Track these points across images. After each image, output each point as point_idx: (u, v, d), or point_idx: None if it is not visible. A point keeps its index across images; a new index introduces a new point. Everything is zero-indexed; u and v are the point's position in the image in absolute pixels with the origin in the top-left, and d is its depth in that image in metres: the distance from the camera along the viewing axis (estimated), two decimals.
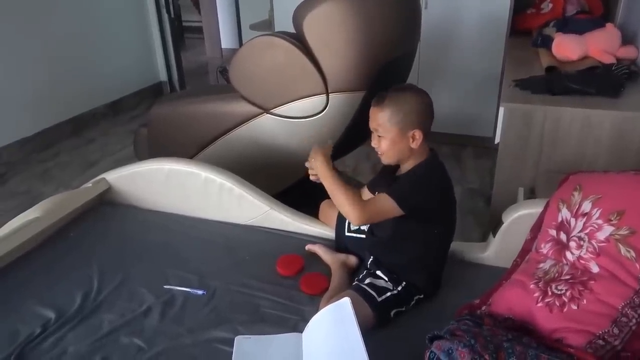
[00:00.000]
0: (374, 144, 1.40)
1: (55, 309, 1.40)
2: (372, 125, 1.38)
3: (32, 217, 1.74)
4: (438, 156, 1.43)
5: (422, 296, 1.41)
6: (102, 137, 3.89)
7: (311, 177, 1.52)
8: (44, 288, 1.49)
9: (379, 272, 1.41)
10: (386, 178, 1.48)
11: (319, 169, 1.44)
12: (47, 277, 1.55)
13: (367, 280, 1.39)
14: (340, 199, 1.36)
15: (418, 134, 1.34)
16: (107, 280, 1.53)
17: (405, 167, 1.42)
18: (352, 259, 1.56)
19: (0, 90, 3.31)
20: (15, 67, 3.40)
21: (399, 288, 1.38)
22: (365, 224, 1.37)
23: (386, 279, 1.39)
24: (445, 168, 1.44)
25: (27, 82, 3.50)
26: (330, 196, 1.41)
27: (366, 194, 1.56)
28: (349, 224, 1.61)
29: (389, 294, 1.36)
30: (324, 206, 1.79)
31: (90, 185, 1.98)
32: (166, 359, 1.25)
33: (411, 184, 1.36)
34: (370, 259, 1.46)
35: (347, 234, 1.60)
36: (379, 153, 1.40)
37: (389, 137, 1.35)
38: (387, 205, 1.33)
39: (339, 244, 1.63)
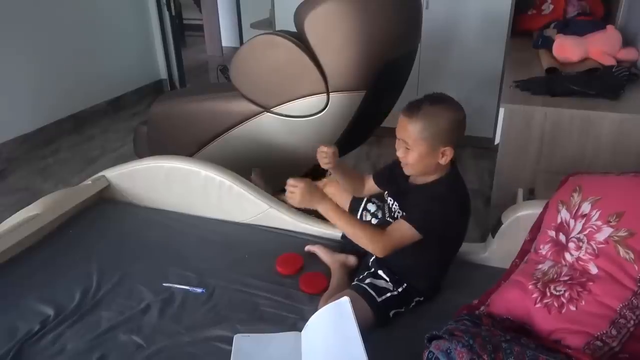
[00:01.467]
0: (399, 154, 1.31)
1: (54, 306, 1.40)
2: (401, 135, 1.28)
3: (32, 213, 1.74)
4: (457, 169, 1.36)
5: (422, 298, 1.41)
6: (102, 134, 3.89)
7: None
8: (43, 285, 1.49)
9: (380, 272, 1.40)
10: (397, 179, 1.43)
11: (328, 216, 1.33)
12: (46, 273, 1.55)
13: (368, 280, 1.39)
14: (358, 238, 1.29)
15: (449, 152, 1.27)
16: (106, 278, 1.53)
17: (424, 178, 1.35)
18: (352, 259, 1.56)
19: (1, 86, 3.31)
20: (16, 63, 3.39)
21: (400, 289, 1.37)
22: (388, 254, 1.29)
23: (387, 279, 1.39)
24: (464, 181, 1.38)
25: (28, 79, 3.49)
26: (347, 235, 1.34)
27: (370, 182, 1.56)
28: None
29: (389, 294, 1.36)
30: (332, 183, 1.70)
31: (90, 182, 1.98)
32: (165, 356, 1.25)
33: (431, 208, 1.28)
34: (373, 257, 1.44)
35: None
36: (404, 163, 1.32)
37: (418, 151, 1.26)
38: (408, 234, 1.26)
39: (345, 238, 1.54)
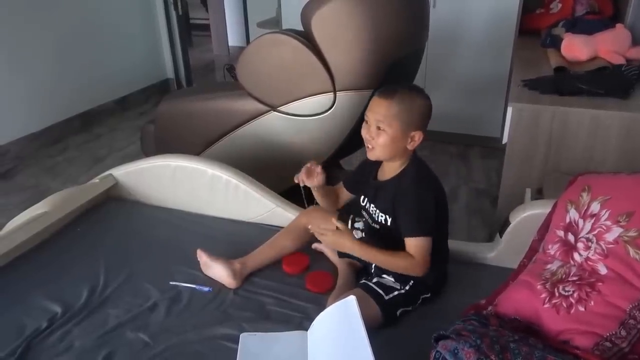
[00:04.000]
0: (368, 134, 1.33)
1: (62, 304, 1.41)
2: (375, 116, 1.31)
3: (40, 211, 1.75)
4: (418, 155, 1.40)
5: (428, 295, 1.40)
6: (110, 133, 3.91)
7: (299, 182, 1.48)
8: (51, 282, 1.50)
9: (384, 275, 1.40)
10: (368, 180, 1.46)
11: (356, 254, 1.39)
12: (54, 271, 1.56)
13: (375, 279, 1.39)
14: (397, 267, 1.34)
15: (418, 136, 1.32)
16: (114, 276, 1.53)
17: (389, 168, 1.39)
18: None
19: (10, 85, 3.34)
20: (24, 62, 3.42)
21: (407, 287, 1.37)
22: (428, 268, 1.32)
23: (393, 279, 1.38)
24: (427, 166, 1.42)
25: (36, 78, 3.52)
26: (384, 267, 1.38)
27: (343, 191, 1.57)
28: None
29: (396, 292, 1.35)
30: (314, 213, 1.62)
31: (98, 180, 1.99)
32: (171, 354, 1.25)
33: (416, 204, 1.32)
34: (374, 266, 1.44)
35: None
36: (371, 146, 1.34)
37: (390, 132, 1.30)
38: (423, 245, 1.31)
39: (342, 255, 1.55)
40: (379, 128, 1.31)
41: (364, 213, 1.49)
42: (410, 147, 1.33)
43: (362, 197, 1.50)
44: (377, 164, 1.44)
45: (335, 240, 1.39)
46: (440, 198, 1.40)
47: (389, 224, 1.39)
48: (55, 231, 1.75)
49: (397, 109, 1.29)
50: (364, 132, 1.35)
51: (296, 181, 1.49)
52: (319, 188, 1.51)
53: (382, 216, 1.41)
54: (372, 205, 1.44)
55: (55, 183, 3.07)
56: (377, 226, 1.44)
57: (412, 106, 1.30)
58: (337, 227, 1.38)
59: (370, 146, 1.35)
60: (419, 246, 1.31)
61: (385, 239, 1.38)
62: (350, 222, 1.59)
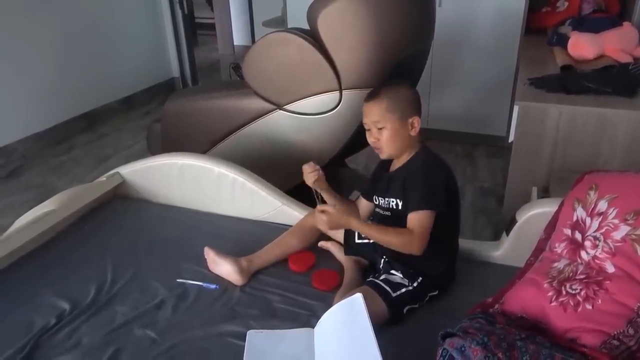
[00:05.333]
0: (372, 139, 1.40)
1: (70, 301, 1.42)
2: (371, 118, 1.38)
3: (48, 209, 1.76)
4: (427, 146, 1.44)
5: (435, 292, 1.40)
6: (115, 132, 3.92)
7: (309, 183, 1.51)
8: (58, 280, 1.51)
9: (393, 271, 1.40)
10: (382, 180, 1.48)
11: (355, 229, 1.43)
12: (61, 269, 1.57)
13: (383, 277, 1.39)
14: (393, 243, 1.35)
15: (417, 121, 1.37)
16: (121, 273, 1.54)
17: (400, 160, 1.42)
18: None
19: (16, 85, 3.36)
20: (30, 62, 3.43)
21: (415, 284, 1.37)
22: (424, 246, 1.32)
23: (401, 275, 1.38)
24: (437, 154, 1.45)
25: (42, 77, 3.54)
26: (381, 243, 1.39)
27: (363, 203, 1.57)
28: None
29: (404, 289, 1.36)
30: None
31: (105, 179, 2.00)
32: (179, 351, 1.26)
33: (423, 181, 1.35)
34: (382, 262, 1.44)
35: (357, 240, 1.55)
36: (378, 147, 1.40)
37: (390, 126, 1.36)
38: (425, 220, 1.31)
39: (349, 252, 1.57)
40: (379, 129, 1.37)
41: (376, 209, 1.51)
42: (413, 133, 1.38)
43: (374, 196, 1.51)
44: (388, 163, 1.47)
45: (331, 224, 1.40)
46: (450, 182, 1.41)
47: (399, 207, 1.40)
48: (62, 229, 1.76)
49: (386, 103, 1.36)
50: (368, 139, 1.41)
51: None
52: (328, 190, 1.53)
53: (393, 201, 1.42)
54: (385, 199, 1.45)
55: (61, 182, 3.09)
56: (388, 213, 1.45)
57: (398, 96, 1.38)
58: (328, 211, 1.40)
59: (378, 148, 1.41)
60: (421, 219, 1.31)
61: (395, 225, 1.38)
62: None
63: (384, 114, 1.36)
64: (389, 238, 1.35)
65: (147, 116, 4.17)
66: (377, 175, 1.54)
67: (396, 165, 1.45)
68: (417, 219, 1.32)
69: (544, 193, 1.85)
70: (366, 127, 1.41)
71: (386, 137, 1.37)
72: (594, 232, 1.23)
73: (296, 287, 1.48)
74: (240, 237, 1.74)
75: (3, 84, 3.27)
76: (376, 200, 1.50)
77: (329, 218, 1.39)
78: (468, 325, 1.10)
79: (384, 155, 1.43)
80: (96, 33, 3.95)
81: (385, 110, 1.36)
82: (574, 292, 1.15)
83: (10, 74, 3.31)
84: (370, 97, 1.40)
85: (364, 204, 1.58)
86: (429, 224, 1.32)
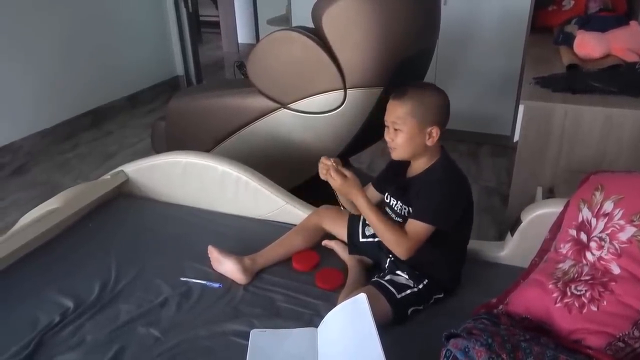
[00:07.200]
0: (388, 137, 1.37)
1: (74, 298, 1.42)
2: (390, 118, 1.35)
3: (52, 207, 1.77)
4: (448, 154, 1.41)
5: (441, 295, 1.40)
6: (120, 129, 3.93)
7: (322, 176, 1.45)
8: (63, 277, 1.51)
9: (398, 272, 1.40)
10: (395, 179, 1.46)
11: (358, 205, 1.39)
12: (66, 266, 1.57)
13: (388, 277, 1.39)
14: (385, 238, 1.34)
15: (436, 132, 1.33)
16: (125, 271, 1.55)
17: (417, 166, 1.39)
18: None
19: (21, 82, 3.37)
20: (35, 60, 3.44)
21: (420, 286, 1.37)
22: (412, 254, 1.32)
23: (407, 276, 1.38)
24: (455, 162, 1.43)
25: (47, 75, 3.55)
26: (374, 230, 1.39)
27: (371, 191, 1.54)
28: (362, 230, 1.56)
29: (409, 291, 1.35)
30: (326, 212, 1.67)
31: (109, 177, 2.00)
32: (182, 350, 1.26)
33: (434, 196, 1.33)
34: (388, 261, 1.44)
35: (361, 239, 1.55)
36: (392, 147, 1.38)
37: (407, 130, 1.32)
38: (422, 232, 1.31)
39: (353, 252, 1.57)
40: (396, 129, 1.34)
41: (388, 209, 1.49)
42: (429, 143, 1.34)
43: (387, 194, 1.50)
44: (406, 163, 1.44)
45: (342, 184, 1.37)
46: (466, 199, 1.40)
47: (410, 214, 1.38)
48: (67, 227, 1.76)
49: (409, 106, 1.32)
50: (385, 136, 1.39)
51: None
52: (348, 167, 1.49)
53: (405, 209, 1.41)
54: (398, 202, 1.44)
55: (66, 179, 3.10)
56: (400, 219, 1.42)
57: (423, 102, 1.32)
58: (345, 175, 1.38)
59: (391, 147, 1.38)
60: (417, 229, 1.31)
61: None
62: (361, 220, 1.59)
63: (404, 116, 1.32)
64: (384, 229, 1.33)
65: (152, 114, 4.18)
66: (392, 172, 1.50)
67: (414, 169, 1.41)
68: (415, 228, 1.32)
69: (549, 193, 1.84)
70: (385, 123, 1.38)
71: (401, 140, 1.34)
72: (600, 233, 1.22)
73: (300, 287, 1.48)
74: (243, 235, 1.74)
75: (9, 81, 3.28)
76: (387, 199, 1.49)
77: (344, 181, 1.36)
78: (472, 326, 1.09)
79: (395, 156, 1.39)
80: (101, 31, 3.96)
81: (406, 114, 1.31)
82: (579, 293, 1.14)
83: (15, 72, 3.32)
84: (394, 96, 1.35)
85: (371, 191, 1.55)
86: (424, 236, 1.31)
